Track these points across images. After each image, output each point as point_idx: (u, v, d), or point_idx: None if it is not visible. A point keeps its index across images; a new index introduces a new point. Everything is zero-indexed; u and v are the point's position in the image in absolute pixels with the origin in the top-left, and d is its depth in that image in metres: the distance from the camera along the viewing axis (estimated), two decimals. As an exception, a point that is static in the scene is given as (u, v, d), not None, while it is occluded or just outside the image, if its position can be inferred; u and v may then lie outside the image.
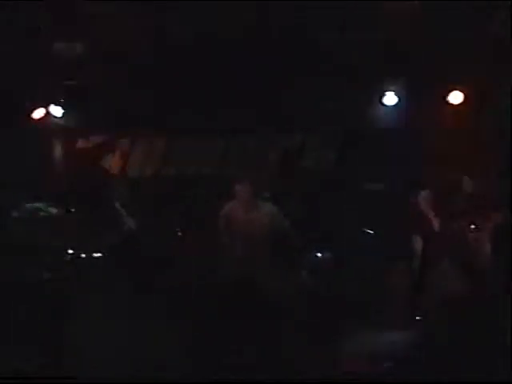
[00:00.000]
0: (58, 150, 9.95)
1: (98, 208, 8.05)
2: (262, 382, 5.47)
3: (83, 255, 8.79)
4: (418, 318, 7.22)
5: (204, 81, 9.38)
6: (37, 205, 9.35)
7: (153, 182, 9.36)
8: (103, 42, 8.76)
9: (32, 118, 9.82)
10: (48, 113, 9.86)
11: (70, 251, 8.85)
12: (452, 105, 9.61)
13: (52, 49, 8.68)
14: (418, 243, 7.95)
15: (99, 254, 8.77)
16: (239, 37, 8.52)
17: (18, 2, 7.64)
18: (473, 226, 8.30)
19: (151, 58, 9.12)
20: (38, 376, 5.59)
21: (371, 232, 9.39)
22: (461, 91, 9.53)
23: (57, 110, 9.90)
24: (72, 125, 9.96)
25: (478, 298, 6.48)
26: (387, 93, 9.66)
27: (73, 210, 9.31)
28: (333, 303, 7.02)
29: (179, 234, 8.61)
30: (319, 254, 8.70)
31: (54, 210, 9.36)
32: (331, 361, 5.98)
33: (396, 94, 9.68)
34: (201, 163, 10.26)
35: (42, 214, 9.31)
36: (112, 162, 10.38)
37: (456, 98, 9.57)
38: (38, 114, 9.84)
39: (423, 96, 9.35)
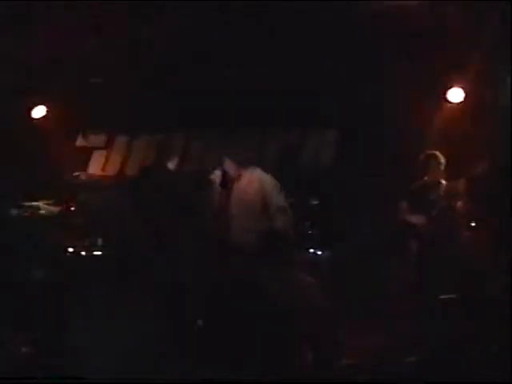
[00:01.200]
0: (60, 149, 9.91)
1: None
2: (261, 382, 5.48)
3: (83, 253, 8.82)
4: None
5: (203, 78, 9.39)
6: (35, 203, 9.38)
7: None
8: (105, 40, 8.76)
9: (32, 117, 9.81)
10: (48, 111, 9.84)
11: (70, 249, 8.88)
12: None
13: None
14: (412, 243, 8.01)
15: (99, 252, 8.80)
16: (239, 34, 8.50)
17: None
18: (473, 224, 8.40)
19: (152, 56, 9.10)
20: (38, 376, 5.60)
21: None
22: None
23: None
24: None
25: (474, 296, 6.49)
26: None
27: (72, 208, 9.33)
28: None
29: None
30: (319, 252, 8.70)
31: (53, 209, 9.39)
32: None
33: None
34: (198, 159, 10.27)
35: (41, 212, 9.35)
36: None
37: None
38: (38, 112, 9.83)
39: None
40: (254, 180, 7.42)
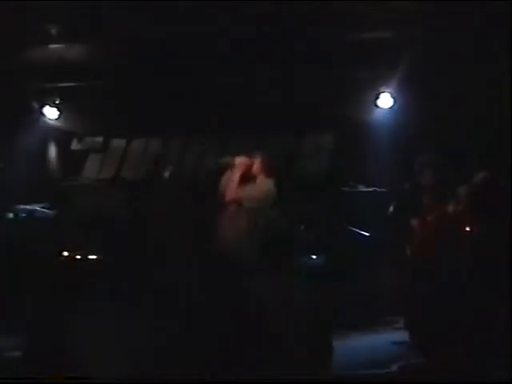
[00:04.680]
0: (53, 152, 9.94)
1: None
2: (261, 382, 5.47)
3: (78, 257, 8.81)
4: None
5: (200, 80, 9.39)
6: (31, 207, 9.38)
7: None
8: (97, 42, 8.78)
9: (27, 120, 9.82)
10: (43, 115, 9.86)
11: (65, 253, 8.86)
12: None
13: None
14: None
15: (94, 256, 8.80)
16: (236, 36, 8.51)
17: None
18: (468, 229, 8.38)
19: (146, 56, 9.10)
20: (38, 376, 5.59)
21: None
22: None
23: (52, 112, 9.90)
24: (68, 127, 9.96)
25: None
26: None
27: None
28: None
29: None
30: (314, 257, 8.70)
31: (49, 212, 9.40)
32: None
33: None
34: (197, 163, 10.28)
35: (37, 215, 9.35)
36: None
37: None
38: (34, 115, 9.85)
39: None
40: (263, 183, 7.19)
